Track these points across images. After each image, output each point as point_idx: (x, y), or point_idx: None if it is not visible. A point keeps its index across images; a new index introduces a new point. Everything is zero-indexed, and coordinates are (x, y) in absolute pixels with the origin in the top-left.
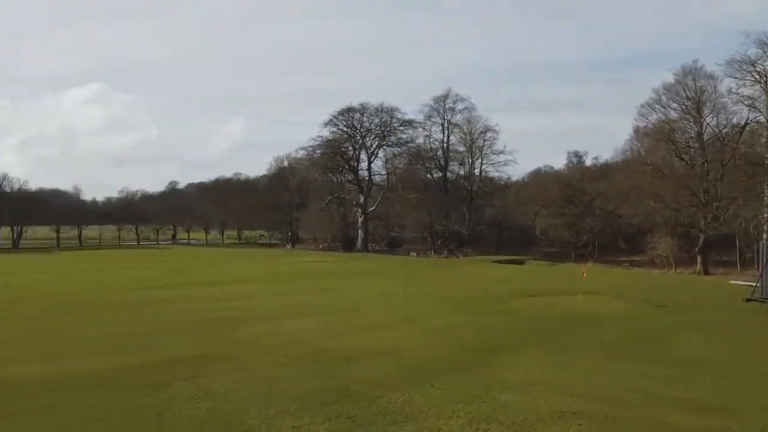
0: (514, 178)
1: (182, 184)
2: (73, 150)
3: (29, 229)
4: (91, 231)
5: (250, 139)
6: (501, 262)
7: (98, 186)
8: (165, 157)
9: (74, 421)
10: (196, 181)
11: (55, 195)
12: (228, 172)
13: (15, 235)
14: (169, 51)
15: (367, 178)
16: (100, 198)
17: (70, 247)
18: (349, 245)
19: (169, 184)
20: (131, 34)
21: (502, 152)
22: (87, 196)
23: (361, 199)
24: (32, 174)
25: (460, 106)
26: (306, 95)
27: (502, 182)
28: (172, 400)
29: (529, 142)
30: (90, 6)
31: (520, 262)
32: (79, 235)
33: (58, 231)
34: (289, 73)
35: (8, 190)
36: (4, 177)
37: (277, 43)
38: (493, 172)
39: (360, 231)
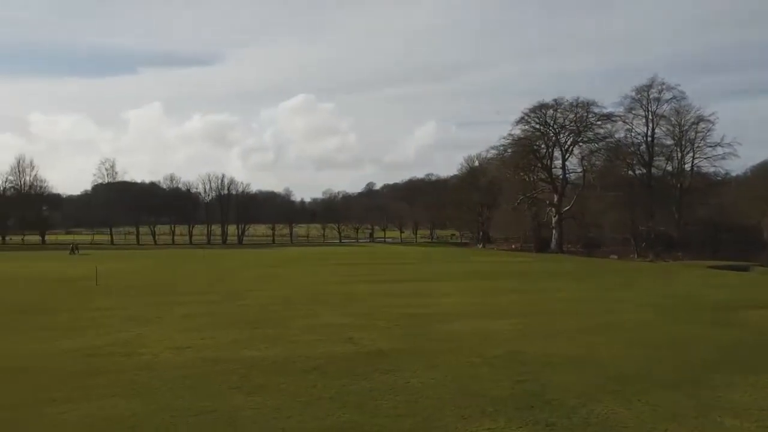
0: (734, 173)
1: (378, 185)
2: (284, 156)
3: (250, 227)
4: (300, 229)
5: (442, 141)
6: (719, 268)
7: (305, 187)
8: (364, 159)
9: (288, 400)
10: (392, 182)
11: (270, 196)
12: (420, 173)
13: (239, 232)
14: (364, 62)
15: (561, 176)
16: (307, 199)
17: (283, 244)
18: (542, 246)
19: (367, 185)
20: (331, 47)
21: (718, 144)
22: (296, 197)
23: (555, 199)
24: (252, 178)
25: (666, 95)
26: (497, 93)
27: (719, 178)
28: (373, 391)
29: (752, 132)
30: (299, 23)
31: (744, 269)
32: (290, 233)
33: (273, 229)
34: (478, 71)
35: (234, 192)
36: (231, 181)
37: (469, 47)
38: (707, 167)
39: (554, 231)
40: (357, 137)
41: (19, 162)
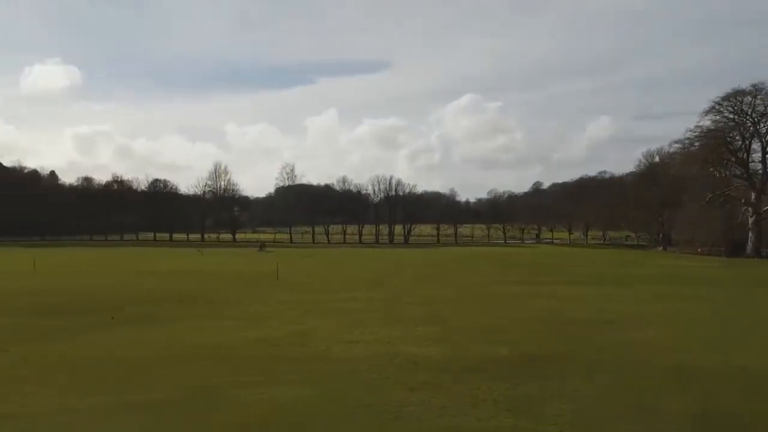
0: None
1: (546, 185)
2: (450, 156)
3: (416, 227)
4: (464, 229)
5: (617, 136)
6: None
7: (471, 187)
8: (530, 158)
9: (452, 400)
10: (560, 181)
11: (436, 197)
12: (592, 171)
13: (406, 232)
14: (531, 58)
15: (760, 171)
16: (472, 199)
17: (448, 244)
18: (734, 250)
19: (534, 184)
20: (498, 45)
21: None
22: (461, 197)
23: (752, 197)
24: (419, 179)
25: None
26: (680, 83)
27: None
28: (536, 396)
29: None
30: (466, 24)
31: None
32: (455, 233)
33: (438, 229)
34: (658, 59)
35: (401, 193)
36: (398, 183)
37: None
38: None
39: (750, 233)
40: (523, 135)
41: (216, 168)
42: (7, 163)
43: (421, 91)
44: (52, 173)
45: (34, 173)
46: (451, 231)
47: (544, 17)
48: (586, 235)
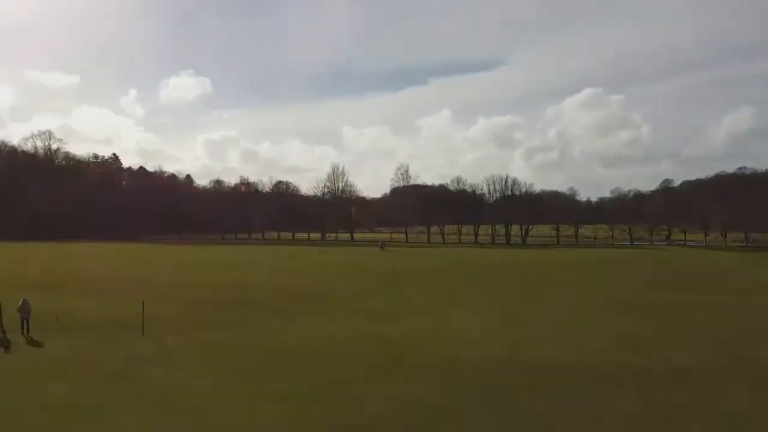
0: None
1: (677, 182)
2: (569, 154)
3: (534, 227)
4: (585, 230)
5: (759, 129)
6: None
7: (592, 186)
8: (658, 154)
9: (580, 409)
10: (693, 178)
11: (554, 196)
12: (730, 167)
13: (523, 233)
14: (656, 47)
15: None
16: (594, 198)
17: (568, 245)
18: None
19: (663, 182)
20: (618, 36)
21: None
22: (582, 196)
23: None
24: (536, 178)
25: None
26: None
27: None
28: (672, 416)
29: None
30: (580, 16)
31: None
32: (575, 234)
33: (557, 229)
34: None
35: (517, 193)
36: (514, 182)
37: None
38: None
39: None
40: (650, 130)
41: (334, 170)
42: (150, 168)
43: (536, 87)
44: (188, 177)
45: (173, 177)
46: (571, 231)
47: (671, 1)
48: (725, 237)
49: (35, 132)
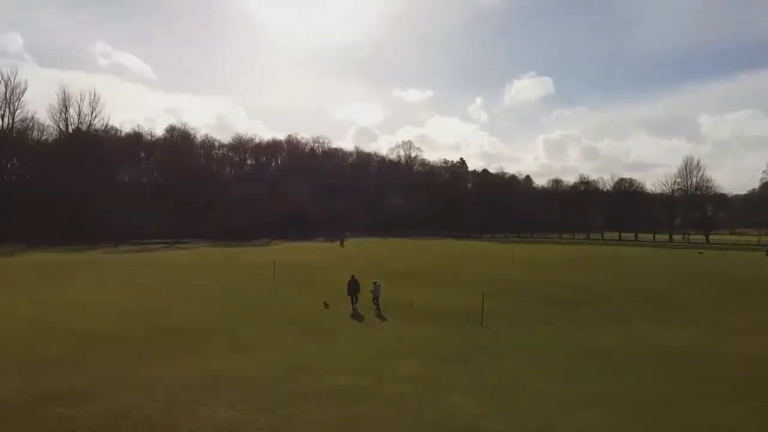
0: None
1: None
2: None
3: None
4: None
5: None
6: None
7: None
8: None
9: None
10: None
11: None
12: None
13: None
14: None
15: None
16: None
17: None
18: None
19: None
20: None
21: None
22: None
23: None
24: None
25: None
26: None
27: None
28: None
29: None
30: None
31: None
32: None
33: None
34: None
35: None
36: None
37: None
38: None
39: None
40: None
41: (686, 164)
42: (492, 170)
43: None
44: (527, 177)
45: (512, 178)
46: None
47: None
48: None
49: (399, 143)
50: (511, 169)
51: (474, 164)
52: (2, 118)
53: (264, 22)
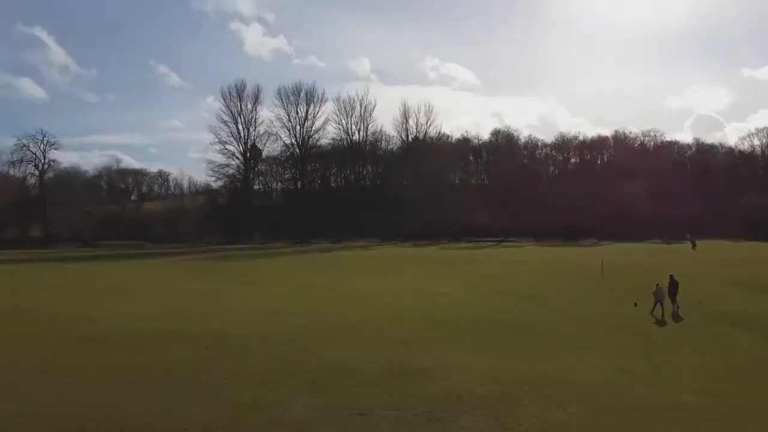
0: None
1: None
2: None
3: None
4: None
5: None
6: None
7: None
8: None
9: None
10: None
11: None
12: None
13: None
14: None
15: None
16: None
17: None
18: None
19: None
20: None
21: None
22: None
23: None
24: None
25: None
26: None
27: None
28: None
29: None
30: None
31: None
32: None
33: None
34: None
35: None
36: None
37: None
38: None
39: None
40: None
41: None
42: None
43: None
44: None
45: None
46: None
47: None
48: None
49: (752, 130)
50: None
51: None
52: (359, 132)
53: (579, 12)
